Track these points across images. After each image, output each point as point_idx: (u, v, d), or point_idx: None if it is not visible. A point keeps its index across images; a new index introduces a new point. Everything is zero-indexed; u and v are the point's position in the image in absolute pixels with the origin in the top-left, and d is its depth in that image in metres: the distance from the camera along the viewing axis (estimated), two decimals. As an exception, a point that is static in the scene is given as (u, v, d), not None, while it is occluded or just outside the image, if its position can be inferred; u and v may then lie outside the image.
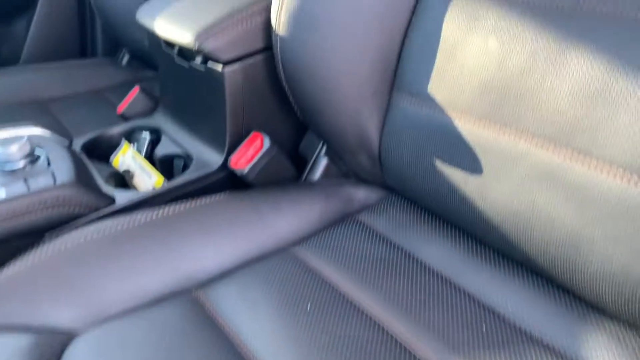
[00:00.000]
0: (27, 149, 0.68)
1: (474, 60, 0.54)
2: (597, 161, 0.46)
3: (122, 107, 0.90)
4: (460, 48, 0.56)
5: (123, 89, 1.27)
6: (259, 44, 0.70)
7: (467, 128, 0.56)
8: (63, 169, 0.67)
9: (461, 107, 0.56)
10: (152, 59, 1.27)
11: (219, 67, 0.70)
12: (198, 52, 0.69)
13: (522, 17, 0.51)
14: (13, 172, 0.67)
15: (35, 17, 1.36)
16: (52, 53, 1.37)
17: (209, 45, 0.68)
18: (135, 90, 0.90)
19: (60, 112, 1.15)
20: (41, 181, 0.65)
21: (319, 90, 0.66)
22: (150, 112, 0.91)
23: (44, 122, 1.09)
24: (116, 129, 0.87)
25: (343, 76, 0.64)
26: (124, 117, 0.91)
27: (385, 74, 0.64)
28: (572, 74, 0.47)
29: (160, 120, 0.88)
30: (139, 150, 0.82)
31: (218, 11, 0.71)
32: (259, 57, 0.71)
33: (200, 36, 0.67)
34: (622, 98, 0.43)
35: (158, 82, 1.23)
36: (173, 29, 0.72)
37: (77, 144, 0.83)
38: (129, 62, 1.35)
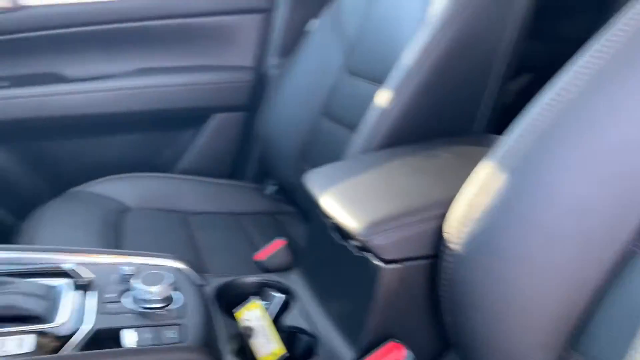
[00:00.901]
0: (168, 293, 0.67)
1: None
2: None
3: (262, 255, 0.89)
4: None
5: (260, 218, 1.30)
6: (426, 250, 0.66)
7: None
8: (194, 325, 0.65)
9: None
10: (295, 196, 1.29)
11: (376, 261, 0.66)
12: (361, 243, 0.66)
13: None
14: (147, 314, 0.65)
15: (201, 133, 1.47)
16: (205, 168, 1.45)
17: (376, 242, 0.64)
18: (280, 244, 0.88)
19: (197, 227, 1.22)
20: (171, 334, 0.62)
21: (479, 319, 0.59)
22: (287, 267, 0.89)
23: (181, 236, 1.14)
24: (249, 279, 0.85)
25: (511, 315, 0.57)
26: (259, 265, 0.90)
27: (561, 328, 0.56)
28: None
29: (295, 281, 0.85)
30: (266, 310, 0.79)
31: (392, 203, 0.68)
32: (420, 262, 0.67)
33: (369, 230, 0.64)
34: None
35: (297, 223, 1.24)
36: (340, 210, 0.70)
37: (211, 286, 0.82)
38: (273, 193, 1.38)
